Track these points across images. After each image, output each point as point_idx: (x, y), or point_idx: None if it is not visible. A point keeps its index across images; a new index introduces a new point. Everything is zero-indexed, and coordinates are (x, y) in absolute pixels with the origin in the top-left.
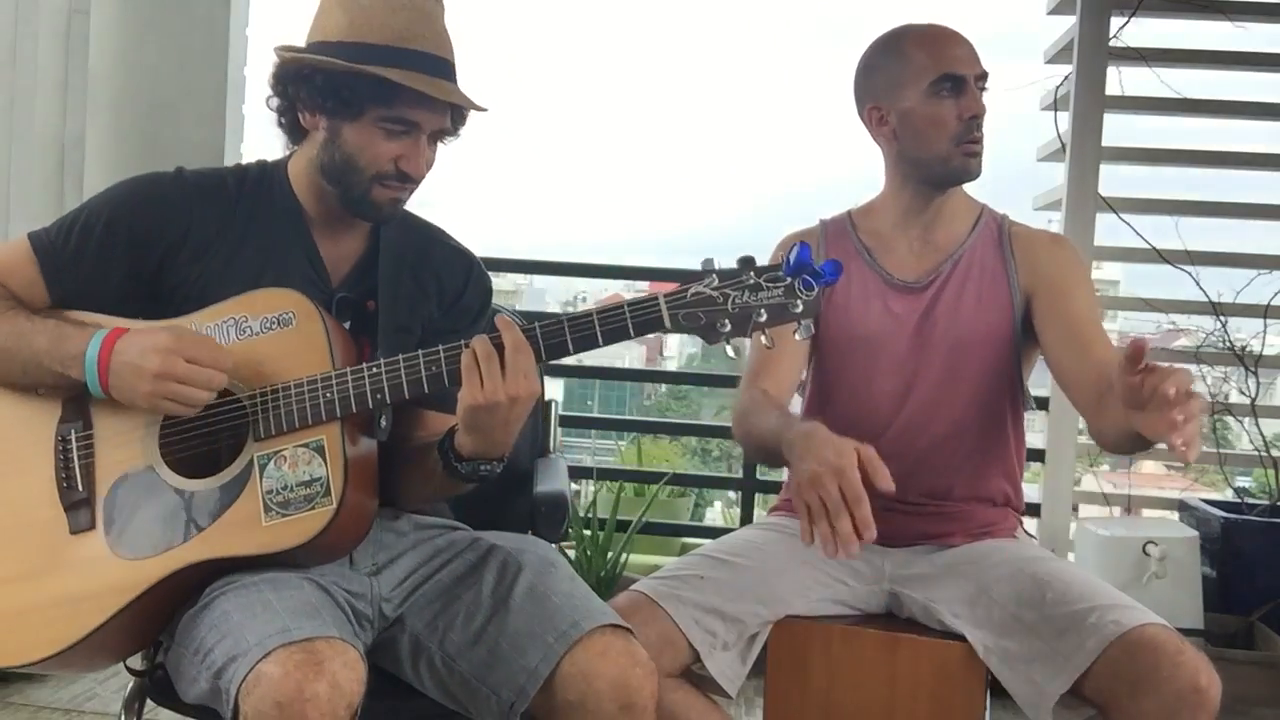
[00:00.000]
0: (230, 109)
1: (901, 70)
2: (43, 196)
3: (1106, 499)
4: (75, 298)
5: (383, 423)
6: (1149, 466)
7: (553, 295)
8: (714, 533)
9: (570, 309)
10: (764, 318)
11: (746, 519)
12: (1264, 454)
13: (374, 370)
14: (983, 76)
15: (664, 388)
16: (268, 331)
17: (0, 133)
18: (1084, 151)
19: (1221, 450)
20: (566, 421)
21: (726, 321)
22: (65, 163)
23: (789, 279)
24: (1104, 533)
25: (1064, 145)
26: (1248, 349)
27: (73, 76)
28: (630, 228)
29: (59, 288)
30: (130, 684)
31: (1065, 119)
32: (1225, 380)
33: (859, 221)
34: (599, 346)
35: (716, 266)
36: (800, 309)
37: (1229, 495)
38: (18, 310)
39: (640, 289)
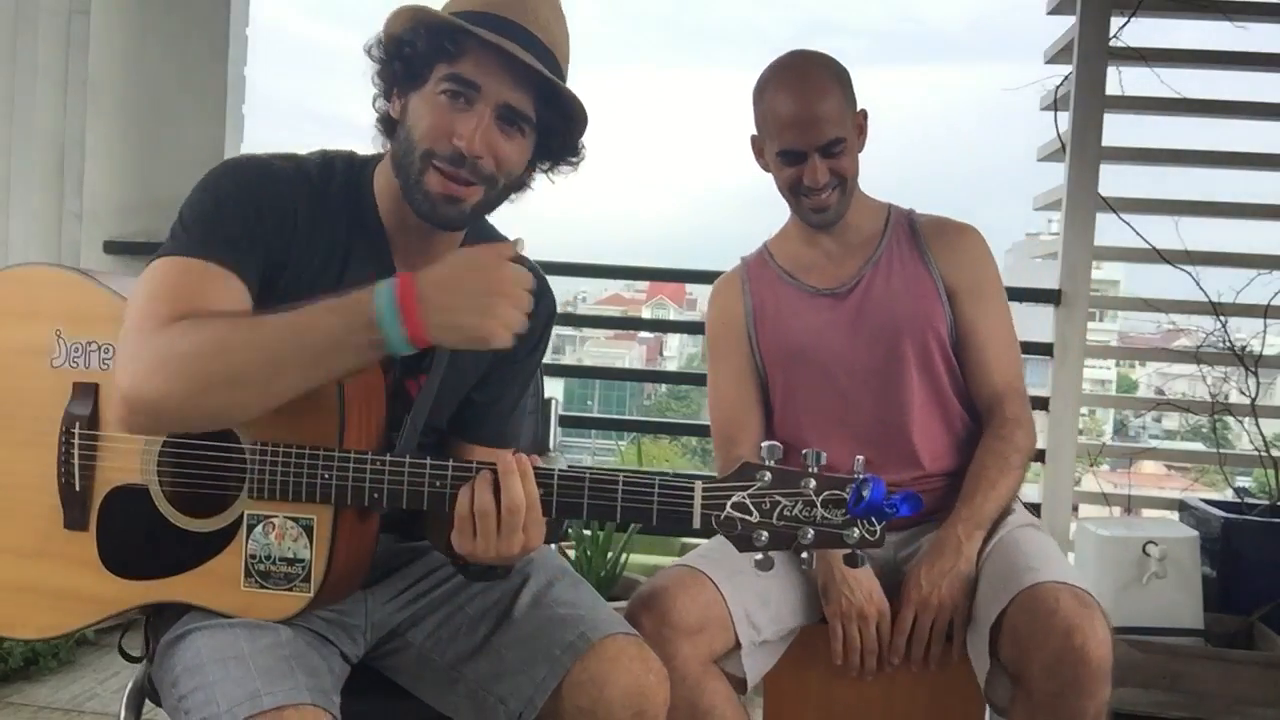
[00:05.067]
0: (230, 109)
1: (762, 122)
2: (43, 196)
3: (1106, 499)
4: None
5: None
6: (1149, 466)
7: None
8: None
9: (570, 309)
10: (810, 539)
11: None
12: (1264, 454)
13: (377, 466)
14: (833, 142)
15: (664, 388)
16: None
17: (0, 133)
18: (1084, 151)
19: (1221, 450)
20: (566, 421)
21: (764, 534)
22: (65, 163)
23: (854, 516)
24: (1104, 533)
25: (1064, 145)
26: (1248, 349)
27: (73, 76)
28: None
29: (251, 269)
30: (130, 683)
31: (1065, 119)
32: (1225, 380)
33: (775, 249)
34: (614, 520)
35: (775, 455)
36: (855, 540)
37: (1229, 495)
38: (253, 316)
39: (640, 289)
